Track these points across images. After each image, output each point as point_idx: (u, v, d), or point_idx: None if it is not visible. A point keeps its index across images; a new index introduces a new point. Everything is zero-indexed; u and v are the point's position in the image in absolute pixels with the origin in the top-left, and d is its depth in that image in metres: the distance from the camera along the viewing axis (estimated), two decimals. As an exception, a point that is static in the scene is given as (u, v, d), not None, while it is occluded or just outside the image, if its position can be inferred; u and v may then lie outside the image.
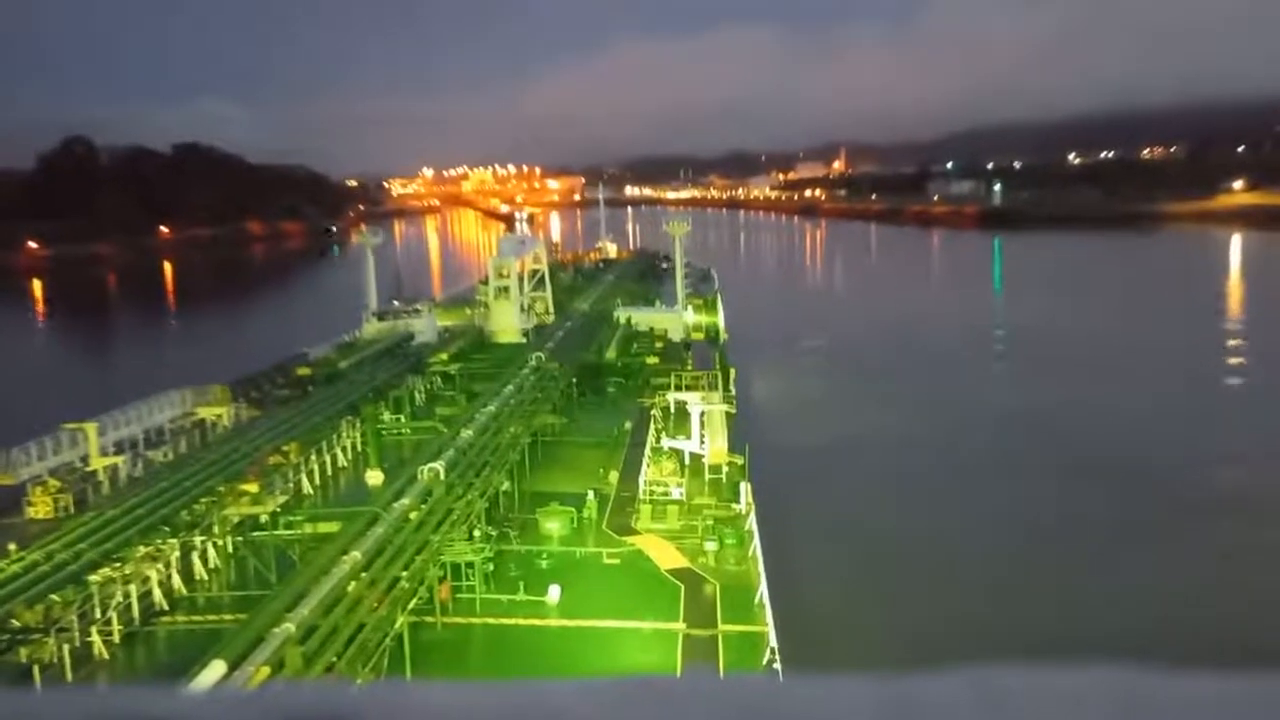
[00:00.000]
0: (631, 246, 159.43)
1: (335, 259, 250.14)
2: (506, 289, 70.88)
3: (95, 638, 26.15)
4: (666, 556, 31.63)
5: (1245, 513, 46.36)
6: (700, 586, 29.32)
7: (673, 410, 45.75)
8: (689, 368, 57.42)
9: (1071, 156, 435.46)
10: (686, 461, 40.26)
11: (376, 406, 46.89)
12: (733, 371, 54.29)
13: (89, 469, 40.60)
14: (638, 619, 27.29)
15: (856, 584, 39.92)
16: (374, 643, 23.37)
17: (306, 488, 39.04)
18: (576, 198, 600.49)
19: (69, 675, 24.88)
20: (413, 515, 30.96)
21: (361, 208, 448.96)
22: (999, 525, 46.08)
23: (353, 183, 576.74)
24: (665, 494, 36.77)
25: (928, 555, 42.36)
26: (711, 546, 31.64)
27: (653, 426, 44.92)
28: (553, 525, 33.49)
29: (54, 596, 27.23)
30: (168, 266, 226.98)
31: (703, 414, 42.42)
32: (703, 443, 41.51)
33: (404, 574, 26.65)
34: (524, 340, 67.80)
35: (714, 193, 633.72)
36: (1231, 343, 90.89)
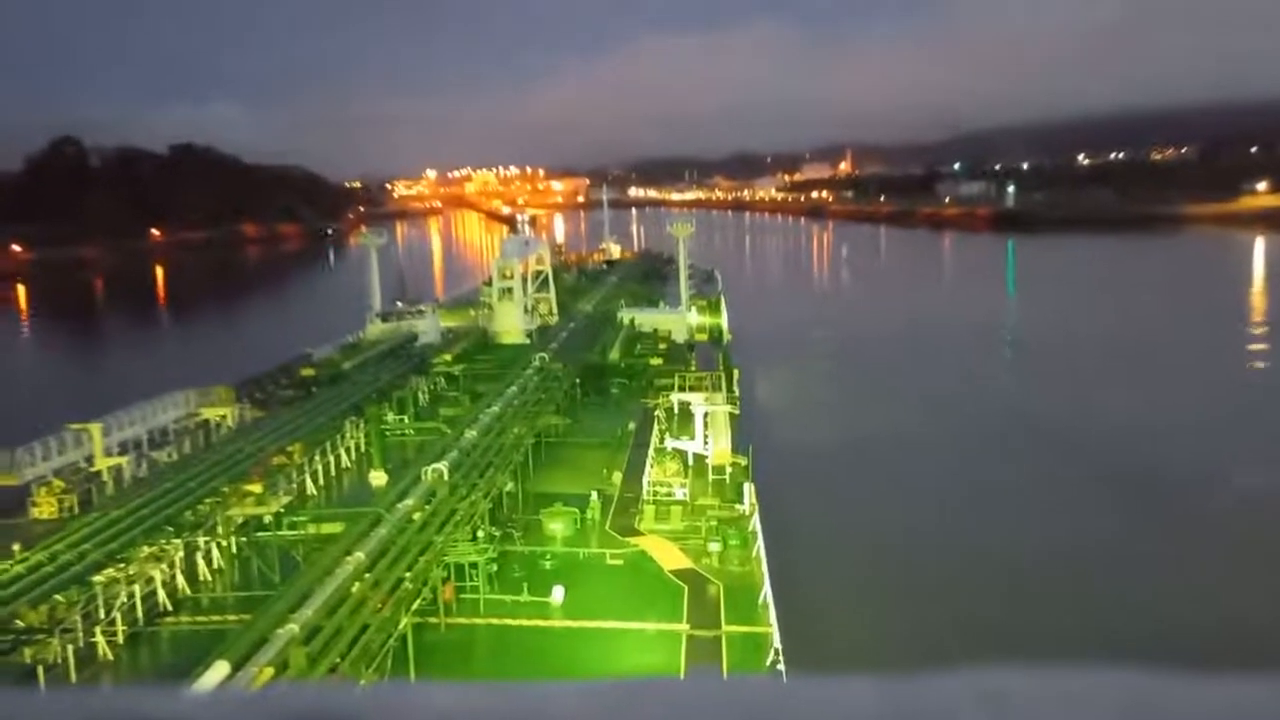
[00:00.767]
0: (636, 248, 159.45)
1: (330, 265, 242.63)
2: (510, 290, 70.94)
3: (99, 638, 26.15)
4: (670, 557, 31.61)
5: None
6: (704, 587, 29.30)
7: (676, 411, 45.76)
8: (693, 369, 57.44)
9: (1080, 157, 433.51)
10: (690, 462, 40.25)
11: (380, 407, 46.91)
12: (736, 372, 54.29)
13: (93, 469, 40.66)
14: (641, 620, 27.28)
15: (858, 585, 39.85)
16: (378, 644, 23.38)
17: (310, 488, 39.07)
18: (580, 199, 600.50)
19: (73, 676, 24.89)
20: (416, 516, 30.99)
21: (362, 209, 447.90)
22: (1016, 531, 45.78)
23: (356, 184, 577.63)
24: (669, 495, 36.75)
25: (931, 557, 42.30)
26: (715, 547, 31.60)
27: (656, 427, 44.92)
28: (556, 526, 33.51)
29: (58, 597, 27.28)
30: (159, 270, 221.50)
31: (706, 415, 42.41)
32: (706, 443, 41.50)
33: (408, 575, 26.66)
34: (528, 341, 67.87)
35: (719, 194, 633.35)
36: (1260, 347, 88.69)
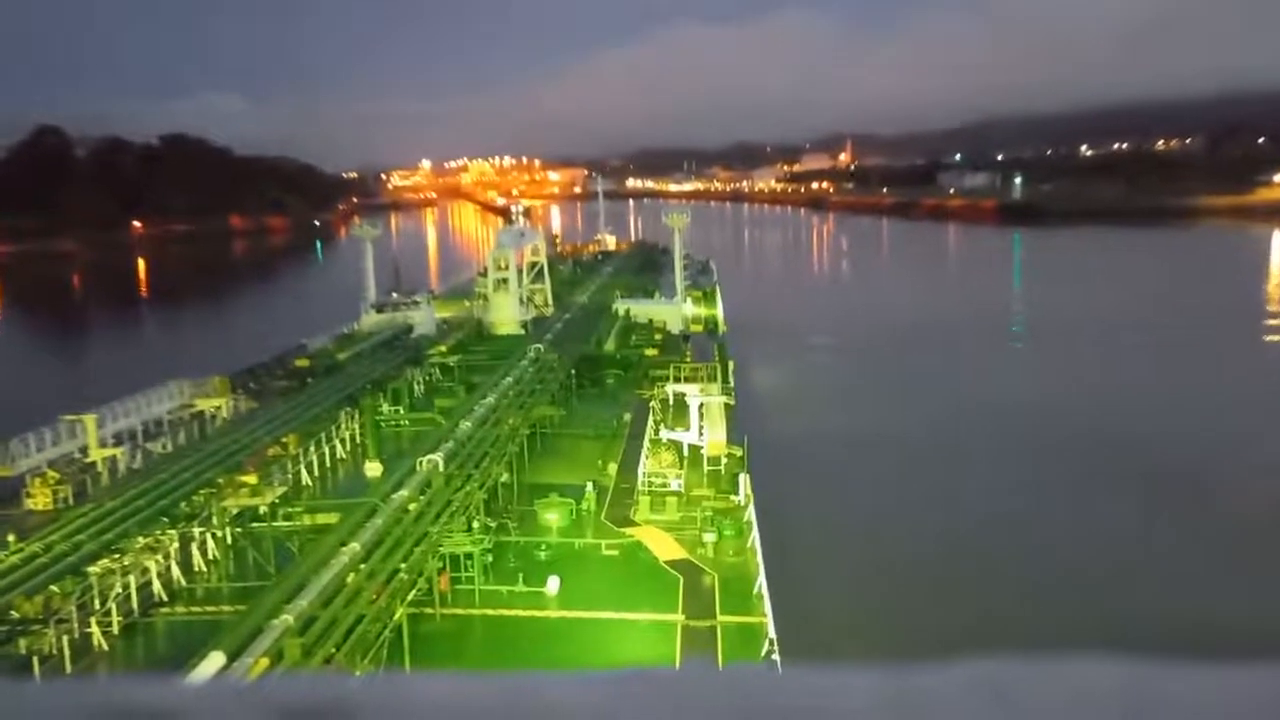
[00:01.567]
0: (633, 239, 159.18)
1: (318, 258, 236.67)
2: (505, 281, 70.80)
3: (94, 629, 26.16)
4: (665, 548, 31.66)
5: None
6: (699, 578, 29.36)
7: (671, 402, 45.80)
8: (688, 359, 57.45)
9: (1084, 148, 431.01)
10: (685, 453, 40.32)
11: (375, 398, 46.87)
12: (731, 363, 54.32)
13: (88, 460, 40.59)
14: (636, 610, 27.33)
15: (852, 575, 39.94)
16: (373, 634, 23.41)
17: (305, 479, 39.05)
18: (577, 190, 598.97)
19: (68, 666, 24.90)
20: (411, 506, 30.97)
21: (355, 200, 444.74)
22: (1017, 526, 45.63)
23: (353, 174, 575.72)
24: (664, 485, 36.80)
25: (923, 548, 42.39)
26: (710, 538, 31.65)
27: (651, 418, 44.93)
28: (551, 517, 33.55)
29: (53, 588, 27.26)
30: (141, 264, 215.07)
31: (701, 406, 42.46)
32: (701, 434, 41.56)
33: (403, 565, 26.65)
34: (523, 332, 67.76)
35: (718, 185, 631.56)
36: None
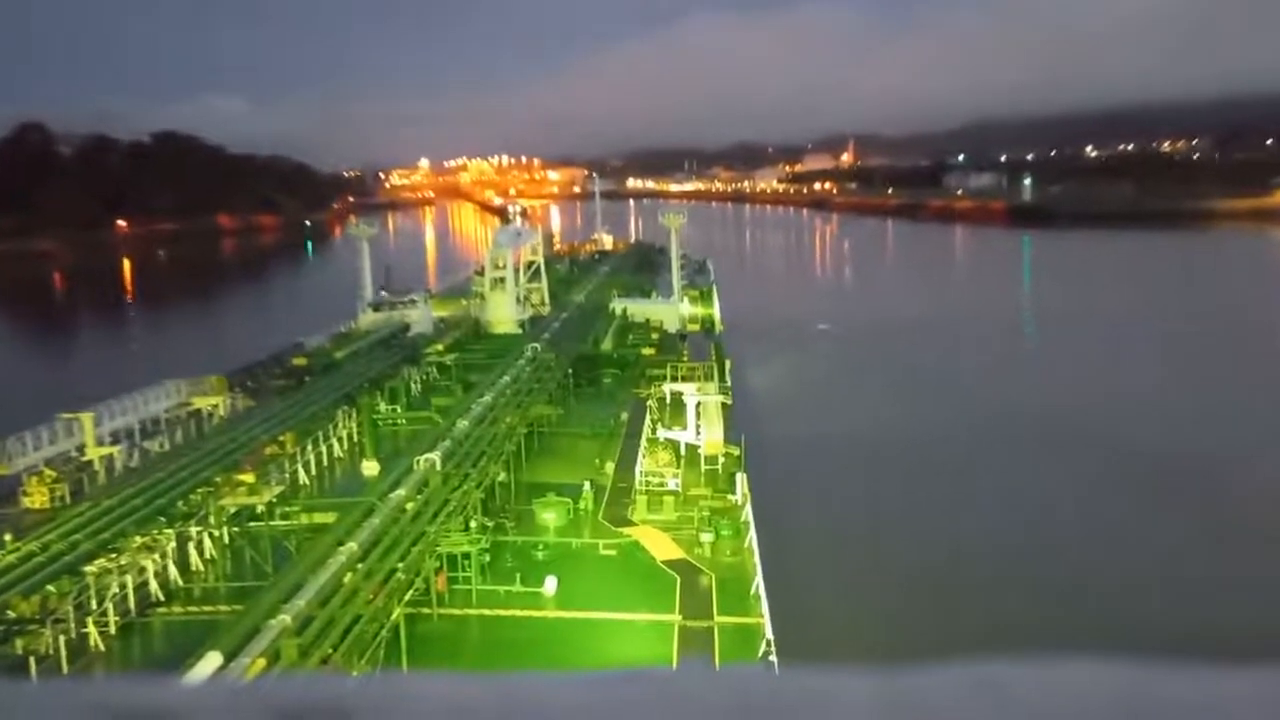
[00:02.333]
0: (632, 239, 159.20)
1: (309, 258, 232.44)
2: (503, 280, 70.78)
3: (91, 629, 26.10)
4: (662, 548, 31.65)
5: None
6: (696, 578, 29.35)
7: (669, 401, 45.79)
8: (685, 359, 57.45)
9: (1089, 149, 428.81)
10: (682, 452, 40.31)
11: (372, 397, 46.80)
12: (729, 363, 54.33)
13: (85, 459, 40.53)
14: (634, 610, 27.32)
15: (845, 572, 39.96)
16: (370, 634, 23.38)
17: (303, 478, 39.02)
18: (576, 189, 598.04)
19: (65, 666, 24.83)
20: (409, 506, 30.95)
21: (351, 199, 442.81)
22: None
23: (354, 173, 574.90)
24: (661, 485, 36.77)
25: (917, 548, 42.41)
26: (707, 538, 31.65)
27: (649, 417, 44.92)
28: (549, 516, 33.51)
29: (50, 587, 27.19)
30: (126, 264, 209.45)
31: (698, 405, 42.46)
32: (699, 434, 41.55)
33: (400, 565, 26.63)
34: (520, 331, 67.75)
35: (719, 185, 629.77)
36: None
